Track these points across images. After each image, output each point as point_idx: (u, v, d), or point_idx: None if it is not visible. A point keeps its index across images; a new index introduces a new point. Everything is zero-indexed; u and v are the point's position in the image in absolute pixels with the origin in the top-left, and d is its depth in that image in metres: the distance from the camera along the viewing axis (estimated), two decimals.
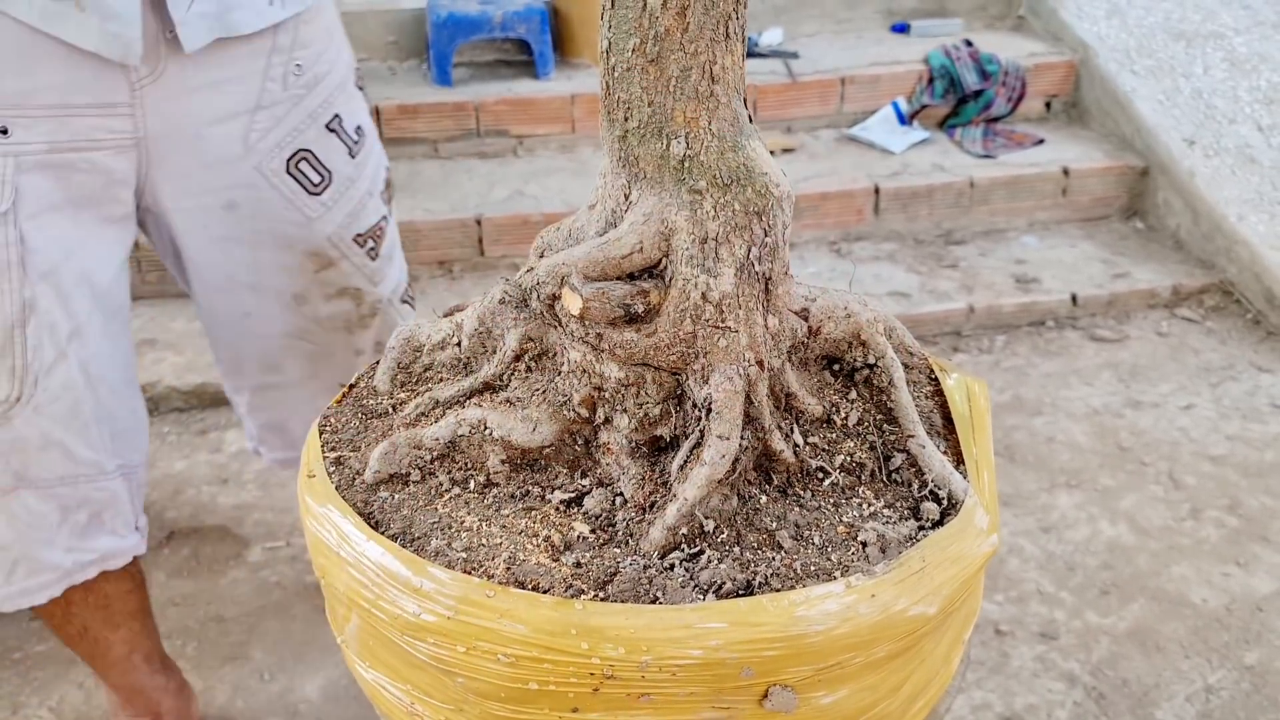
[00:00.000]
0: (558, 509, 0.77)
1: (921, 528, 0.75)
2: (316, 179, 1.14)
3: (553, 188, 2.74)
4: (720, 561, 0.71)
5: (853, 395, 0.83)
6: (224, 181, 1.10)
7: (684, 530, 0.72)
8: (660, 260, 0.74)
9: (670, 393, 0.77)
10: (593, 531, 0.74)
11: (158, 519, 1.88)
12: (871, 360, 0.82)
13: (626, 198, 0.75)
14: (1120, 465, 2.01)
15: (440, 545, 0.73)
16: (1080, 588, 1.71)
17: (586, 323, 0.75)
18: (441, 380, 0.86)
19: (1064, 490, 1.95)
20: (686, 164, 0.72)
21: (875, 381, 0.83)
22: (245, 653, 1.61)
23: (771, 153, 0.79)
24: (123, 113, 1.01)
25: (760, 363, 0.76)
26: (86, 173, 1.01)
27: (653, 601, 0.68)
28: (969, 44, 3.09)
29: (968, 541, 0.73)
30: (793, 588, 0.68)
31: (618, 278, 0.75)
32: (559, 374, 0.79)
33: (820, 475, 0.78)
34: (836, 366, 0.84)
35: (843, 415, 0.82)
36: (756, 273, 0.74)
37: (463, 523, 0.75)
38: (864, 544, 0.73)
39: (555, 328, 0.79)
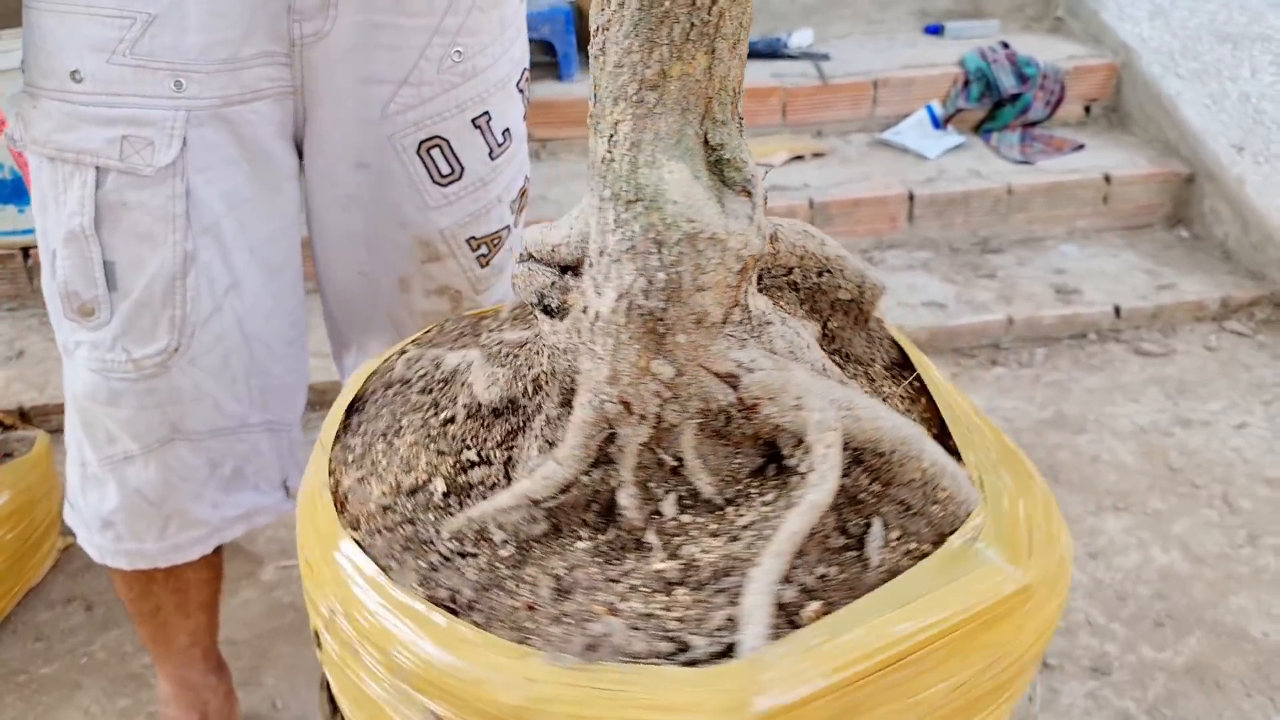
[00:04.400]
0: (458, 464, 0.77)
1: (670, 658, 0.62)
2: (446, 170, 1.09)
3: (576, 193, 2.67)
4: (461, 572, 0.70)
5: (770, 497, 0.71)
6: (358, 141, 1.07)
7: (475, 529, 0.72)
8: (582, 261, 0.72)
9: (567, 399, 0.74)
10: (445, 495, 0.75)
11: None
12: (803, 470, 0.70)
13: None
14: (1171, 487, 1.92)
15: (358, 455, 0.80)
16: (1133, 619, 1.62)
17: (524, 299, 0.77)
18: (528, 327, 0.87)
19: (1111, 513, 1.86)
20: (602, 166, 0.68)
21: (794, 493, 0.70)
22: (256, 678, 1.54)
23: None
24: (281, 61, 1.00)
25: (627, 405, 0.69)
26: (254, 124, 1.01)
27: (384, 571, 0.68)
28: (1005, 46, 3.00)
29: (671, 698, 0.59)
30: (487, 629, 0.64)
31: (559, 266, 0.73)
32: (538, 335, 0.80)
33: (648, 550, 0.70)
34: (780, 456, 0.74)
35: (739, 511, 0.71)
36: (641, 307, 0.66)
37: (401, 440, 0.80)
38: (588, 637, 0.63)
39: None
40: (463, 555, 0.70)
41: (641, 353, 0.68)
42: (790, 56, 3.05)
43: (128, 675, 1.54)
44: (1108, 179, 2.71)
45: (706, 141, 0.68)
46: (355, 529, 0.72)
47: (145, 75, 0.94)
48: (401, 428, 0.80)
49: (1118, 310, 2.42)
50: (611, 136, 0.66)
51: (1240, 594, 1.67)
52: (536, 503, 0.71)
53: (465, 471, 0.77)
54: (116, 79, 0.93)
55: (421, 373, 0.84)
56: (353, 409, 0.85)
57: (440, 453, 0.78)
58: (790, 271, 0.84)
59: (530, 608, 0.67)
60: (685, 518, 0.72)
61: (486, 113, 1.09)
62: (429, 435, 0.79)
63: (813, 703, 0.60)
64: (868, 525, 0.71)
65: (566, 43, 2.89)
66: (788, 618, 0.64)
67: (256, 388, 1.10)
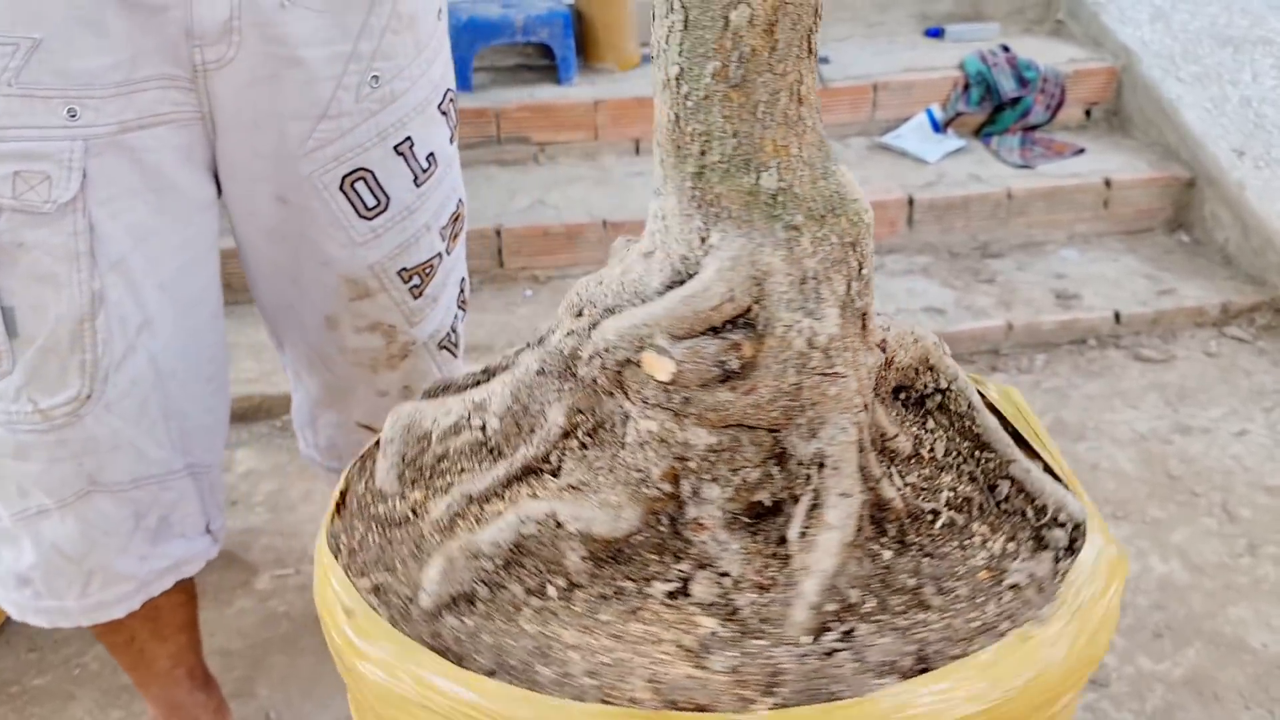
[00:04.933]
0: (665, 603, 0.67)
1: (1057, 557, 0.70)
2: (372, 202, 1.05)
3: (574, 197, 2.66)
4: (880, 634, 0.64)
5: (930, 424, 0.78)
6: (277, 176, 1.02)
7: (829, 606, 0.65)
8: (749, 308, 0.67)
9: (770, 453, 0.69)
10: (721, 624, 0.66)
11: None
12: (944, 385, 0.78)
13: (704, 241, 0.67)
14: (1170, 495, 1.91)
15: (553, 674, 0.62)
16: (1131, 630, 1.61)
17: (673, 388, 0.66)
18: (463, 471, 0.76)
19: (1110, 522, 1.85)
20: (780, 197, 0.65)
21: (951, 406, 0.78)
22: (250, 689, 1.54)
23: None
24: (184, 86, 0.95)
25: (866, 406, 0.70)
26: (156, 151, 0.95)
27: (832, 698, 0.59)
28: (1006, 49, 2.98)
29: (1106, 563, 0.69)
30: (966, 652, 0.61)
31: (702, 332, 0.67)
32: (623, 447, 0.70)
33: (931, 517, 0.72)
34: (903, 395, 0.79)
35: (928, 447, 0.76)
36: (856, 309, 0.68)
37: (562, 639, 0.65)
38: (1016, 586, 0.67)
39: (611, 396, 0.70)
40: (849, 634, 0.65)
41: (865, 352, 0.70)
42: None
43: (120, 686, 1.53)
44: (1108, 183, 2.70)
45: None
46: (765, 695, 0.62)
47: (36, 105, 0.87)
48: (553, 635, 0.66)
49: (1118, 316, 2.41)
50: (781, 164, 0.66)
51: (1239, 604, 1.66)
52: (852, 543, 0.69)
53: (681, 598, 0.69)
54: (3, 111, 0.87)
55: (472, 579, 0.69)
56: (458, 662, 0.67)
57: (632, 612, 0.67)
58: None
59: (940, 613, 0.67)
60: (910, 479, 0.75)
61: (409, 138, 1.05)
62: (580, 611, 0.68)
63: None
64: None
65: (565, 46, 2.88)
66: None
67: (175, 430, 1.05)
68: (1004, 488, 0.75)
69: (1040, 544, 0.72)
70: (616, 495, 0.70)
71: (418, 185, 1.08)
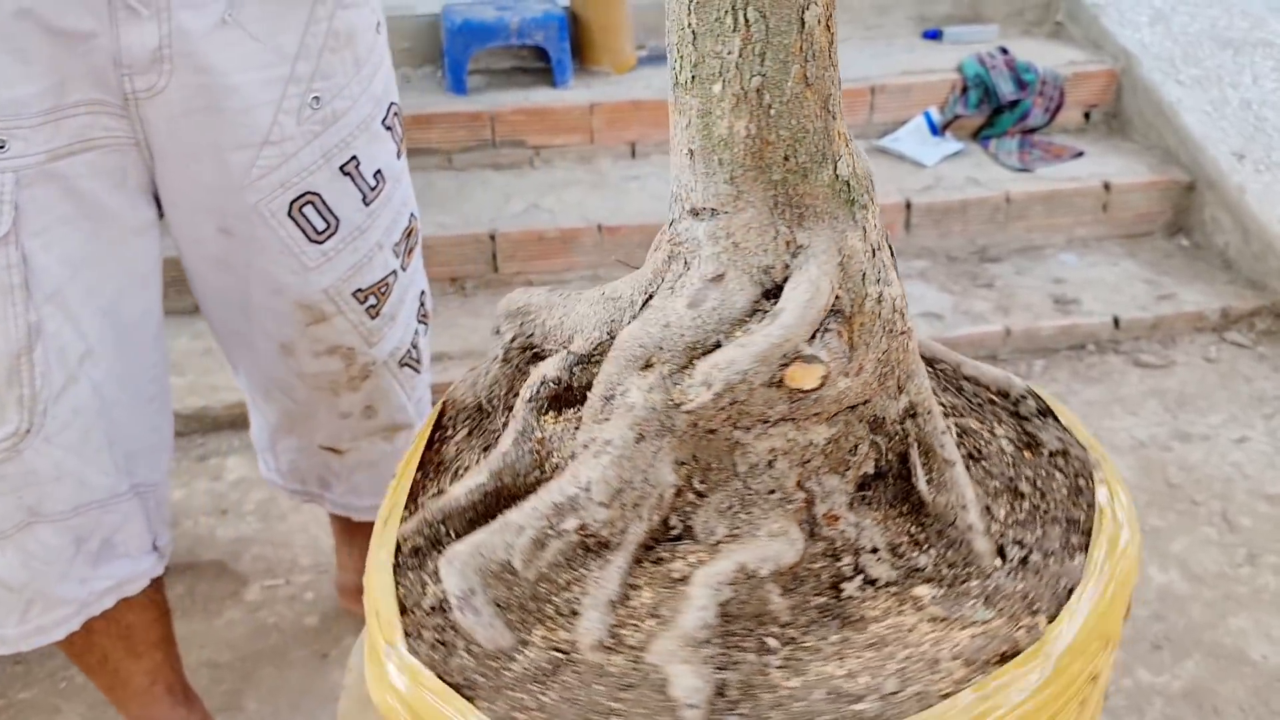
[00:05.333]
0: (868, 598, 0.70)
1: (1042, 421, 0.80)
2: (321, 226, 1.03)
3: (570, 201, 2.64)
4: (1030, 529, 0.71)
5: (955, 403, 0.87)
6: (218, 207, 1.00)
7: (991, 527, 0.72)
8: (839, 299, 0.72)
9: (868, 423, 0.73)
10: (929, 588, 0.70)
11: None
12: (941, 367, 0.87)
13: (789, 245, 0.68)
14: (1169, 504, 1.89)
15: (875, 705, 0.60)
16: (1130, 641, 1.59)
17: (802, 394, 0.68)
18: (570, 584, 0.70)
19: None
20: (851, 181, 0.69)
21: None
22: (239, 703, 1.52)
23: None
24: (115, 112, 0.93)
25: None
26: (87, 177, 0.93)
27: (1070, 591, 0.66)
28: (1004, 51, 2.96)
29: (1070, 409, 0.84)
30: (1089, 515, 0.71)
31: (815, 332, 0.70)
32: (738, 477, 0.70)
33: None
34: None
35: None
36: (896, 265, 0.74)
37: (832, 675, 0.63)
38: (1058, 452, 0.77)
39: (713, 433, 0.69)
40: (1019, 542, 0.72)
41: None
42: None
43: (106, 700, 1.51)
44: (1107, 187, 2.68)
45: None
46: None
47: None
48: (822, 675, 0.64)
49: (1117, 321, 2.39)
50: (845, 150, 0.69)
51: (1239, 615, 1.64)
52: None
53: (869, 588, 0.70)
54: None
55: (713, 670, 0.64)
56: None
57: (859, 620, 0.67)
58: None
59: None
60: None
61: (354, 157, 1.03)
62: (813, 645, 0.67)
63: None
64: None
65: (560, 49, 2.86)
66: None
67: (121, 454, 1.04)
68: (968, 387, 0.84)
69: (1022, 418, 0.81)
70: (776, 522, 0.70)
71: (367, 204, 1.06)
